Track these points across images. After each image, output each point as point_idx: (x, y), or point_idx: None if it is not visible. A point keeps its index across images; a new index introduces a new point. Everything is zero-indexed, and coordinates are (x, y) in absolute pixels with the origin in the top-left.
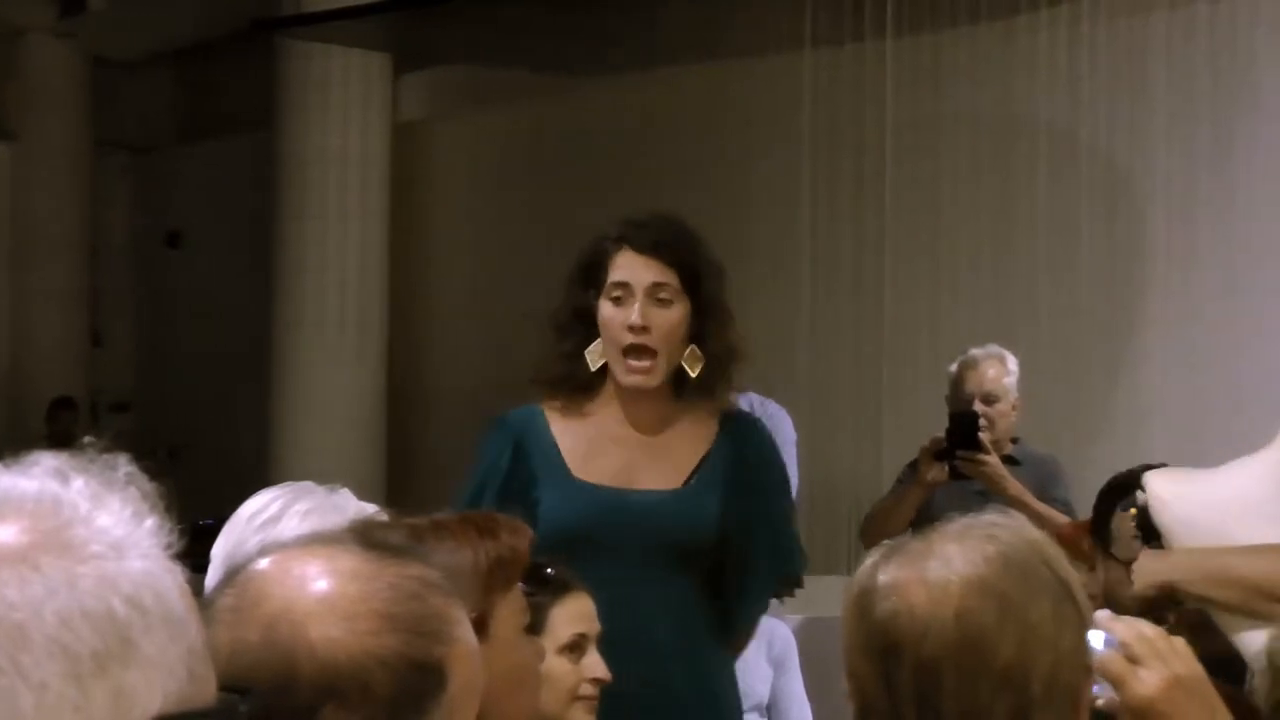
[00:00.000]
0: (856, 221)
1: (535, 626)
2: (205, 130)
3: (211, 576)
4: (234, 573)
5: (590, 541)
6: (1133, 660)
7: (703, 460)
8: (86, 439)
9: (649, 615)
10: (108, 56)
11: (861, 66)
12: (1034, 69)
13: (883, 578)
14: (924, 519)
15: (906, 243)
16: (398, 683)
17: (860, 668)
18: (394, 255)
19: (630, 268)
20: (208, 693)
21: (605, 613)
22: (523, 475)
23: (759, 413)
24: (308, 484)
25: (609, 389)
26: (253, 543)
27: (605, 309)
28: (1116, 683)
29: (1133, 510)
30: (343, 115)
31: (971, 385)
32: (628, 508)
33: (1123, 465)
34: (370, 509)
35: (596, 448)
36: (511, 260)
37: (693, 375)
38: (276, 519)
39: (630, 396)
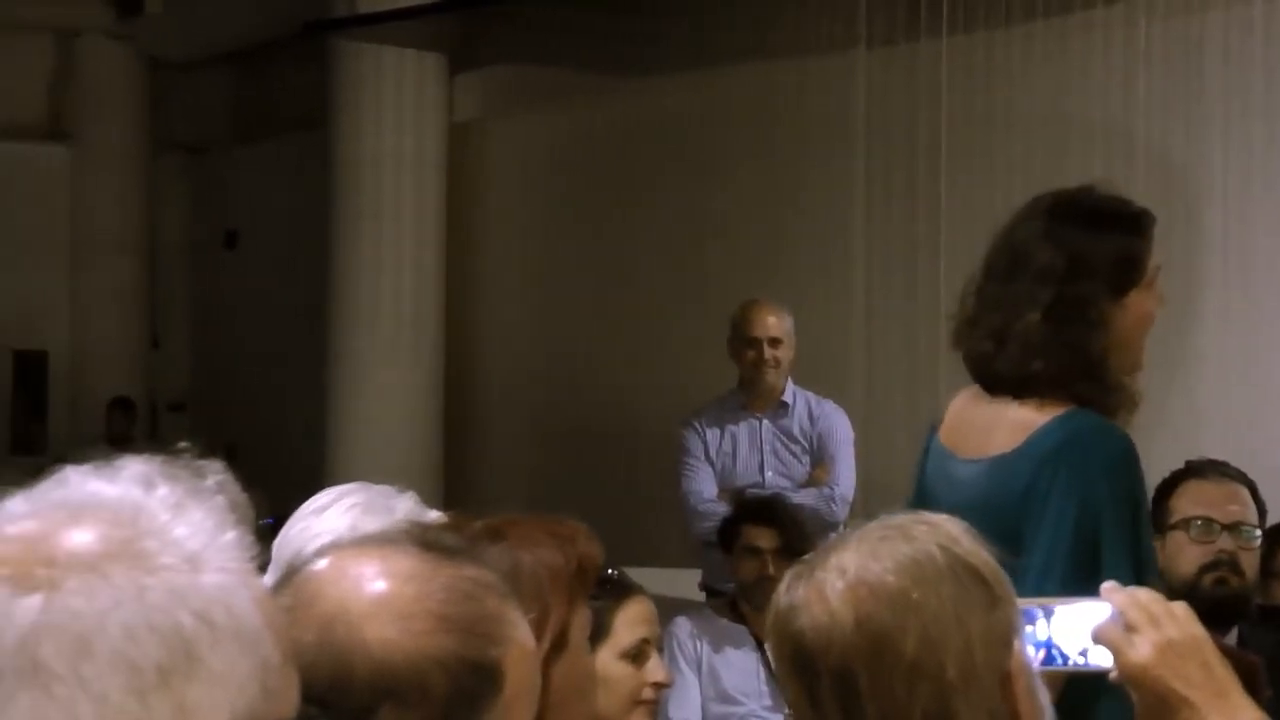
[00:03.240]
0: (910, 221)
1: (599, 631)
2: (261, 131)
3: (271, 574)
4: (291, 573)
5: None
6: (1130, 628)
7: None
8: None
9: None
10: (164, 58)
11: (915, 66)
12: (1089, 68)
13: (791, 597)
14: None
15: (961, 242)
16: (453, 683)
17: (789, 687)
18: (449, 255)
19: (1154, 248)
20: (284, 708)
21: None
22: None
23: (816, 412)
24: (368, 485)
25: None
26: (295, 530)
27: (1146, 301)
28: (1114, 651)
29: None
30: (397, 115)
31: None
32: None
33: (1179, 465)
34: (433, 515)
35: None
36: (565, 259)
37: None
38: (323, 510)
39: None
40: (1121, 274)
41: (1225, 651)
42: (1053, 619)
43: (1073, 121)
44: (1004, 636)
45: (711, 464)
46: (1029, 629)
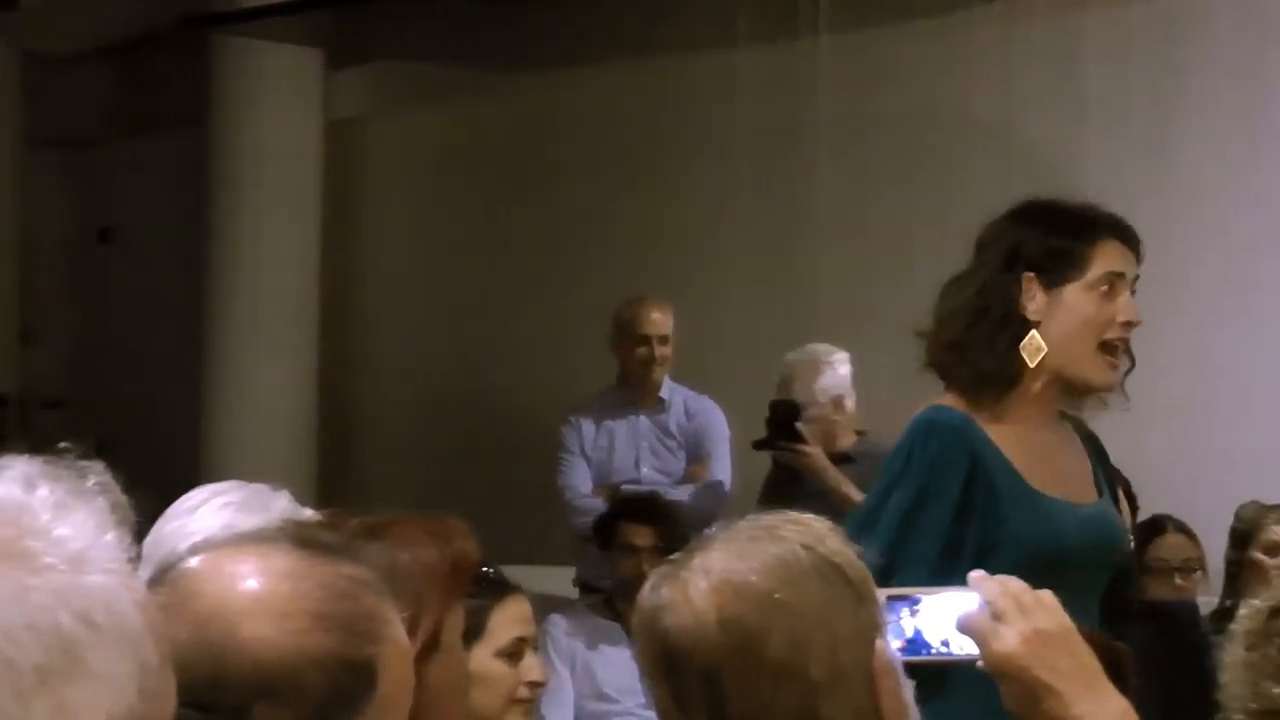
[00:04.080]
0: (789, 219)
1: (476, 630)
2: (138, 126)
3: (142, 572)
4: (165, 571)
5: (1068, 564)
6: (997, 617)
7: (1093, 467)
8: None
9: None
10: (39, 52)
11: (793, 64)
12: (968, 66)
13: (657, 597)
14: None
15: (839, 240)
16: (329, 682)
17: (655, 688)
18: (328, 253)
19: (1123, 260)
20: (163, 711)
21: None
22: (984, 489)
23: (693, 408)
24: (243, 483)
25: (1022, 389)
26: (169, 528)
27: (1087, 301)
28: (979, 641)
29: None
30: (275, 112)
31: (808, 385)
32: (1092, 524)
33: None
34: (309, 513)
35: (1036, 457)
36: (447, 258)
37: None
38: (196, 508)
39: (1045, 398)
40: (1050, 263)
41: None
42: (920, 609)
43: (952, 120)
44: (869, 635)
45: (588, 459)
46: (896, 620)
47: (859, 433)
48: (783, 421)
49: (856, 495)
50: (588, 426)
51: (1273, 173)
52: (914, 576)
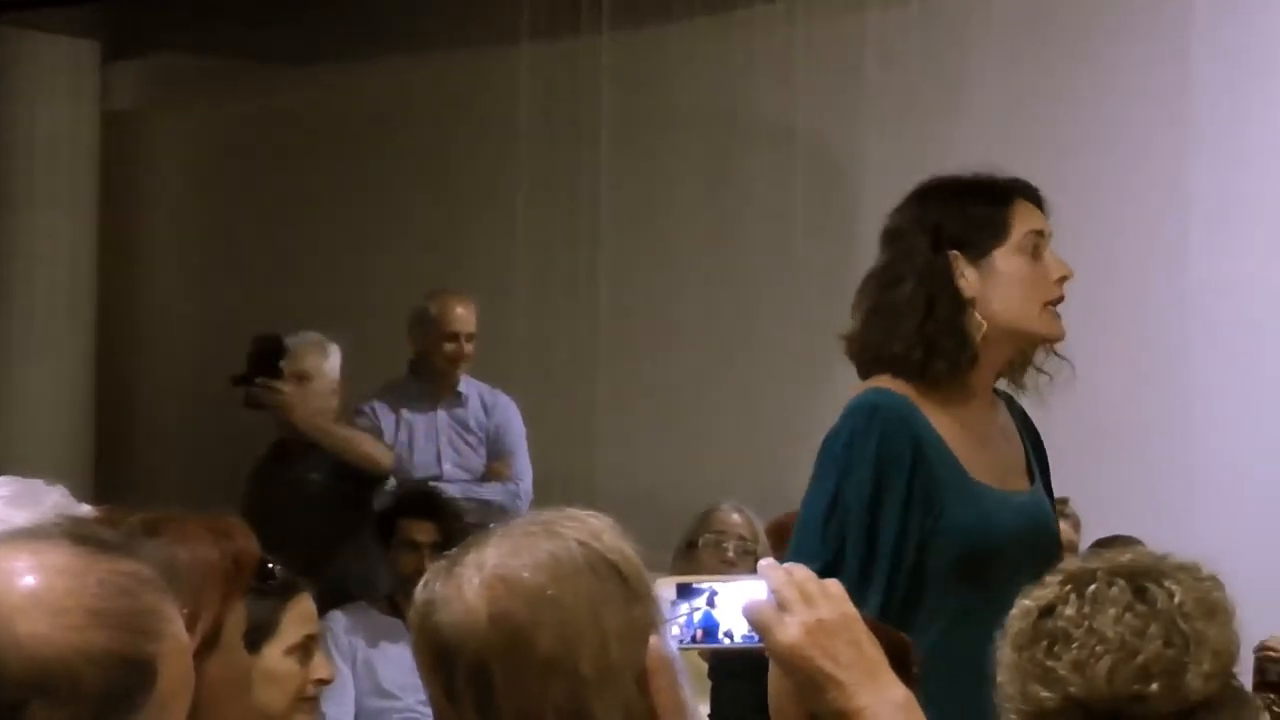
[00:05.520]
0: (573, 217)
1: (268, 628)
2: None
3: None
4: None
5: (1001, 555)
6: (782, 607)
7: (1026, 452)
8: None
9: None
10: None
11: (577, 61)
12: (750, 64)
13: (430, 592)
14: None
15: (623, 238)
16: (106, 679)
17: (428, 684)
18: (105, 246)
19: (1038, 218)
20: None
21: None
22: (925, 478)
23: (490, 403)
24: (15, 478)
25: (980, 366)
26: None
27: (1018, 263)
28: (762, 631)
29: None
30: (49, 103)
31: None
32: (1026, 514)
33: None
34: (85, 509)
35: (974, 442)
36: (226, 252)
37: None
38: None
39: (981, 380)
40: (975, 234)
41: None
42: (717, 599)
43: (734, 118)
44: (642, 633)
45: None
46: (690, 610)
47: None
48: (263, 358)
49: (336, 432)
50: (387, 417)
51: (1048, 174)
52: (884, 573)
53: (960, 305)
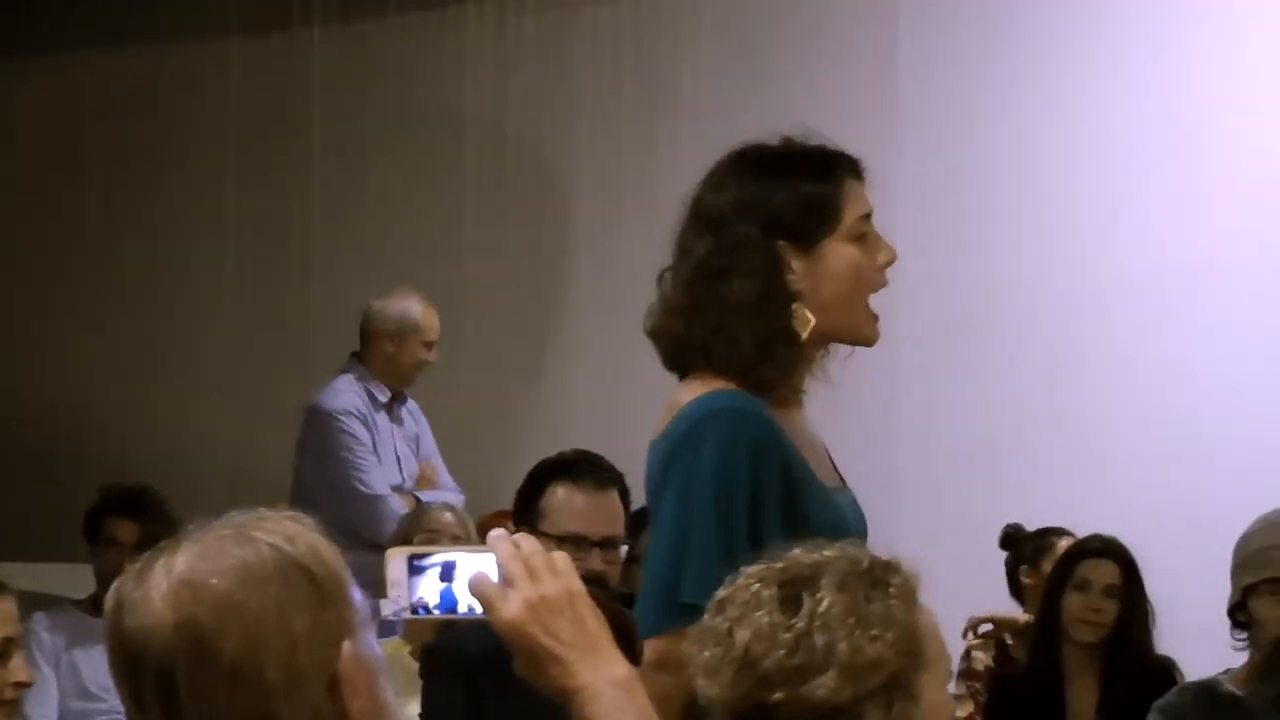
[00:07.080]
0: (284, 212)
1: None
2: None
3: None
4: None
5: None
6: (508, 581)
7: (828, 450)
8: None
9: None
10: None
11: (288, 55)
12: (461, 61)
13: (121, 594)
14: None
15: (334, 236)
16: None
17: (119, 688)
18: None
19: (865, 199)
20: None
21: None
22: (789, 481)
23: (409, 407)
24: None
25: (803, 366)
26: None
27: (847, 253)
28: (485, 606)
29: None
30: None
31: None
32: (857, 514)
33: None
34: None
35: (804, 442)
36: None
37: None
38: None
39: (800, 378)
40: (801, 220)
41: (602, 605)
42: (455, 571)
43: (445, 115)
44: (334, 637)
45: (378, 458)
46: (421, 582)
47: None
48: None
49: None
50: (363, 428)
51: None
52: None
53: (790, 301)
